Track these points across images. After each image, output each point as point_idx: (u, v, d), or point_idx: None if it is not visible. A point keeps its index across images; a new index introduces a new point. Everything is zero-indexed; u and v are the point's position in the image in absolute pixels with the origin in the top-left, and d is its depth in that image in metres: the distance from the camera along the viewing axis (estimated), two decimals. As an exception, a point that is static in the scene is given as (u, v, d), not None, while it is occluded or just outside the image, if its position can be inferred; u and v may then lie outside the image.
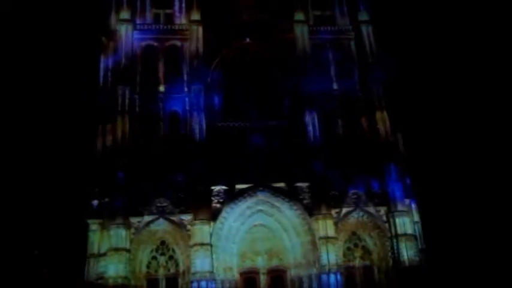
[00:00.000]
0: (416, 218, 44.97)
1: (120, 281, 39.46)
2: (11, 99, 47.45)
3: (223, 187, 43.30)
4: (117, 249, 40.06)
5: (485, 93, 54.15)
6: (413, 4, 55.27)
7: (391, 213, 43.98)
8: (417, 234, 43.99)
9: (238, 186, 43.56)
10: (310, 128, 45.74)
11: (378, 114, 46.77)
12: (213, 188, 43.16)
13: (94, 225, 42.02)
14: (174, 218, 42.25)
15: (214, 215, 42.30)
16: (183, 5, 49.50)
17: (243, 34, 49.32)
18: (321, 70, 48.39)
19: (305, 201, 43.73)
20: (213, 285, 40.31)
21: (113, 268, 39.63)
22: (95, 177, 43.25)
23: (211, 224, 41.87)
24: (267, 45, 49.39)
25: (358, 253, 44.67)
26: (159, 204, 42.39)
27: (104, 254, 40.68)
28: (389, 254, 43.46)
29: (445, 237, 45.15)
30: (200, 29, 47.82)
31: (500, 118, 53.09)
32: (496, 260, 44.86)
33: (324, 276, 41.20)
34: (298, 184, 44.21)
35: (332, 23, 51.41)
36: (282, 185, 43.98)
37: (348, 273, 43.17)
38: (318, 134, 45.63)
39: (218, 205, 42.79)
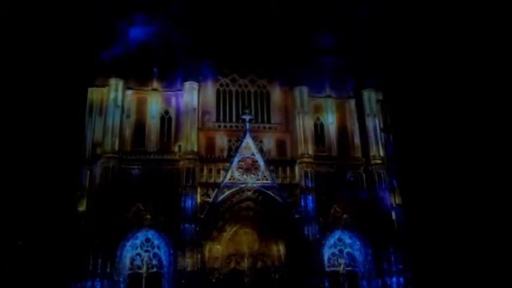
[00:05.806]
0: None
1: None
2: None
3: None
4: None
5: (473, 105, 54.39)
6: (412, 13, 55.17)
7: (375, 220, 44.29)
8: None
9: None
10: (301, 134, 45.87)
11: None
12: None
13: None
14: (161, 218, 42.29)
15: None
16: (181, 2, 49.02)
17: (238, 35, 49.36)
18: (316, 76, 48.45)
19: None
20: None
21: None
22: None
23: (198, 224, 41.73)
24: (263, 48, 49.59)
25: (342, 259, 44.97)
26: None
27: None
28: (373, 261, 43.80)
29: (429, 248, 45.63)
30: (197, 27, 47.59)
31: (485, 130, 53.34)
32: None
33: (310, 280, 41.33)
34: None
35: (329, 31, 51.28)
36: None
37: (332, 278, 43.33)
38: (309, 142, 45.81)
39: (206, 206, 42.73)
